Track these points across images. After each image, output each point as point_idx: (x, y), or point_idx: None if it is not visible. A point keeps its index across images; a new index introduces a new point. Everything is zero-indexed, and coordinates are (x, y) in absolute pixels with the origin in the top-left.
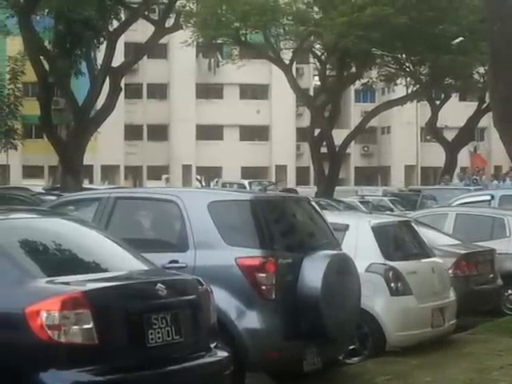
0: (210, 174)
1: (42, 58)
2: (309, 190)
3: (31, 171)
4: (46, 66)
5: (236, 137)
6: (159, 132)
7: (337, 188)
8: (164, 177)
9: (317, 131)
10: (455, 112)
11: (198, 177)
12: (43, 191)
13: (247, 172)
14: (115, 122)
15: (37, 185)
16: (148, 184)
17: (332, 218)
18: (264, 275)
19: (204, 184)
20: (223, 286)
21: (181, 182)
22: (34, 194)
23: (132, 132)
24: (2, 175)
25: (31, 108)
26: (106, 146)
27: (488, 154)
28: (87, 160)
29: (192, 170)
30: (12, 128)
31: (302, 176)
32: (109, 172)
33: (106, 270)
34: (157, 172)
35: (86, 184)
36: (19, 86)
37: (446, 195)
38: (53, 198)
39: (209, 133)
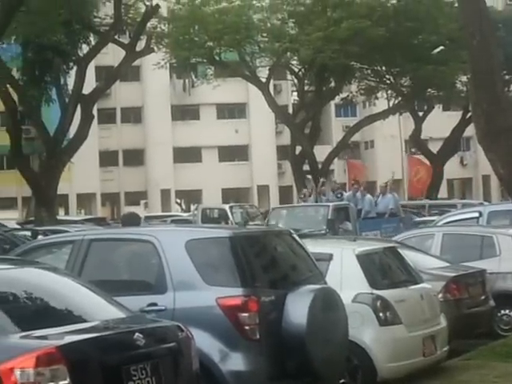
0: (189, 197)
1: (10, 87)
2: None
3: (4, 203)
4: (14, 96)
5: (215, 158)
6: (135, 157)
7: None
8: (142, 202)
9: (298, 149)
10: (439, 123)
11: (178, 200)
12: (18, 226)
13: (228, 194)
14: (89, 149)
15: (10, 218)
16: (126, 210)
17: (315, 247)
18: (247, 315)
19: (184, 207)
20: (205, 328)
21: (160, 206)
22: (8, 229)
23: (107, 158)
24: None
25: (2, 138)
26: (80, 174)
27: (475, 163)
28: (62, 189)
29: (171, 194)
30: None
31: (284, 195)
32: (85, 200)
33: (82, 321)
34: (135, 198)
35: (61, 215)
36: None
37: (298, 214)
38: (27, 233)
39: (186, 155)
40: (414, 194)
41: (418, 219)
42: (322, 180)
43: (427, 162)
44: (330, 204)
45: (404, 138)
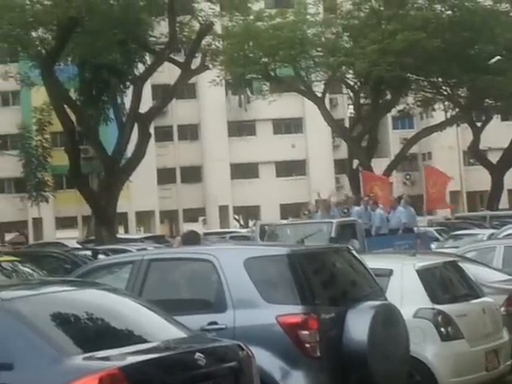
0: (247, 213)
1: (67, 107)
2: None
3: (64, 222)
4: (72, 116)
5: (272, 173)
6: (193, 174)
7: None
8: (201, 219)
9: (356, 162)
10: (498, 133)
11: (236, 216)
12: (78, 246)
13: (286, 209)
14: (147, 166)
15: (71, 238)
16: (185, 227)
17: (375, 263)
18: (307, 332)
19: (242, 223)
20: (265, 346)
21: (218, 223)
22: (69, 249)
23: (165, 176)
24: (35, 228)
25: (61, 158)
26: (139, 191)
27: None
28: (121, 207)
29: (229, 211)
30: (42, 180)
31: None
32: (144, 218)
33: (143, 341)
34: (193, 214)
35: (120, 233)
36: (47, 136)
37: (298, 232)
38: (88, 252)
39: (244, 171)
40: (431, 208)
41: (459, 232)
42: (330, 195)
43: (443, 172)
44: (334, 221)
45: (462, 149)
